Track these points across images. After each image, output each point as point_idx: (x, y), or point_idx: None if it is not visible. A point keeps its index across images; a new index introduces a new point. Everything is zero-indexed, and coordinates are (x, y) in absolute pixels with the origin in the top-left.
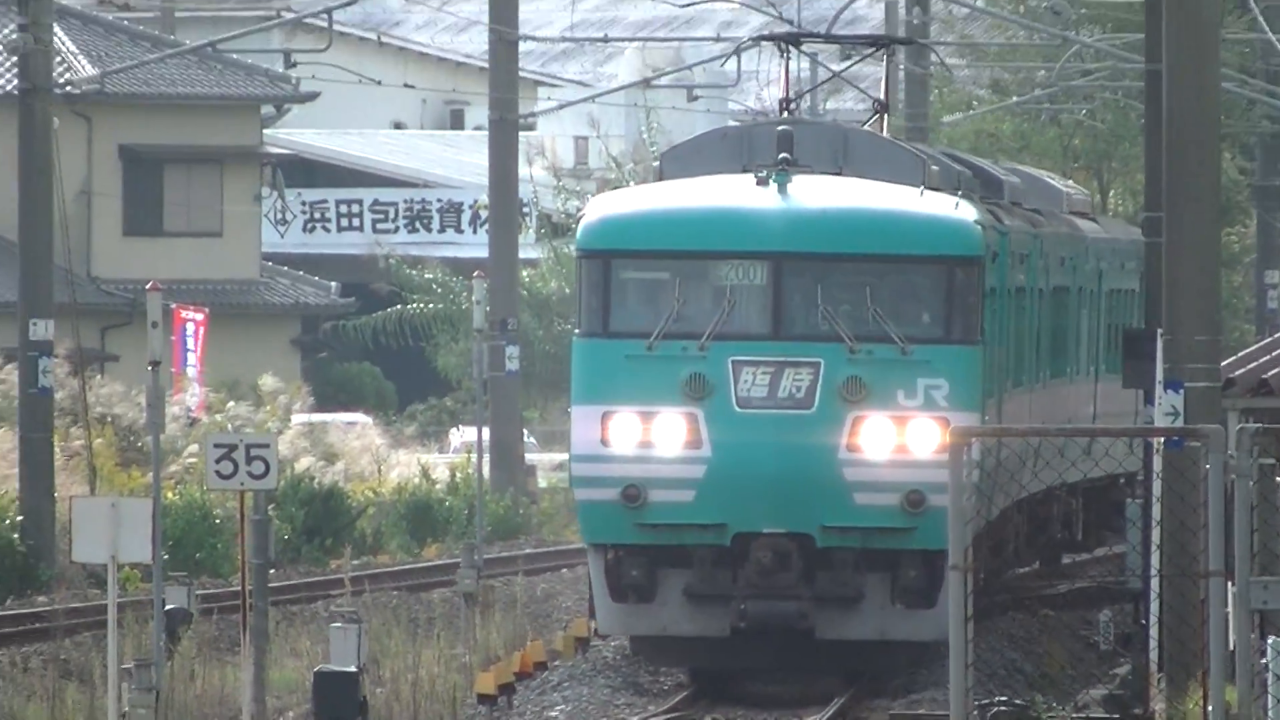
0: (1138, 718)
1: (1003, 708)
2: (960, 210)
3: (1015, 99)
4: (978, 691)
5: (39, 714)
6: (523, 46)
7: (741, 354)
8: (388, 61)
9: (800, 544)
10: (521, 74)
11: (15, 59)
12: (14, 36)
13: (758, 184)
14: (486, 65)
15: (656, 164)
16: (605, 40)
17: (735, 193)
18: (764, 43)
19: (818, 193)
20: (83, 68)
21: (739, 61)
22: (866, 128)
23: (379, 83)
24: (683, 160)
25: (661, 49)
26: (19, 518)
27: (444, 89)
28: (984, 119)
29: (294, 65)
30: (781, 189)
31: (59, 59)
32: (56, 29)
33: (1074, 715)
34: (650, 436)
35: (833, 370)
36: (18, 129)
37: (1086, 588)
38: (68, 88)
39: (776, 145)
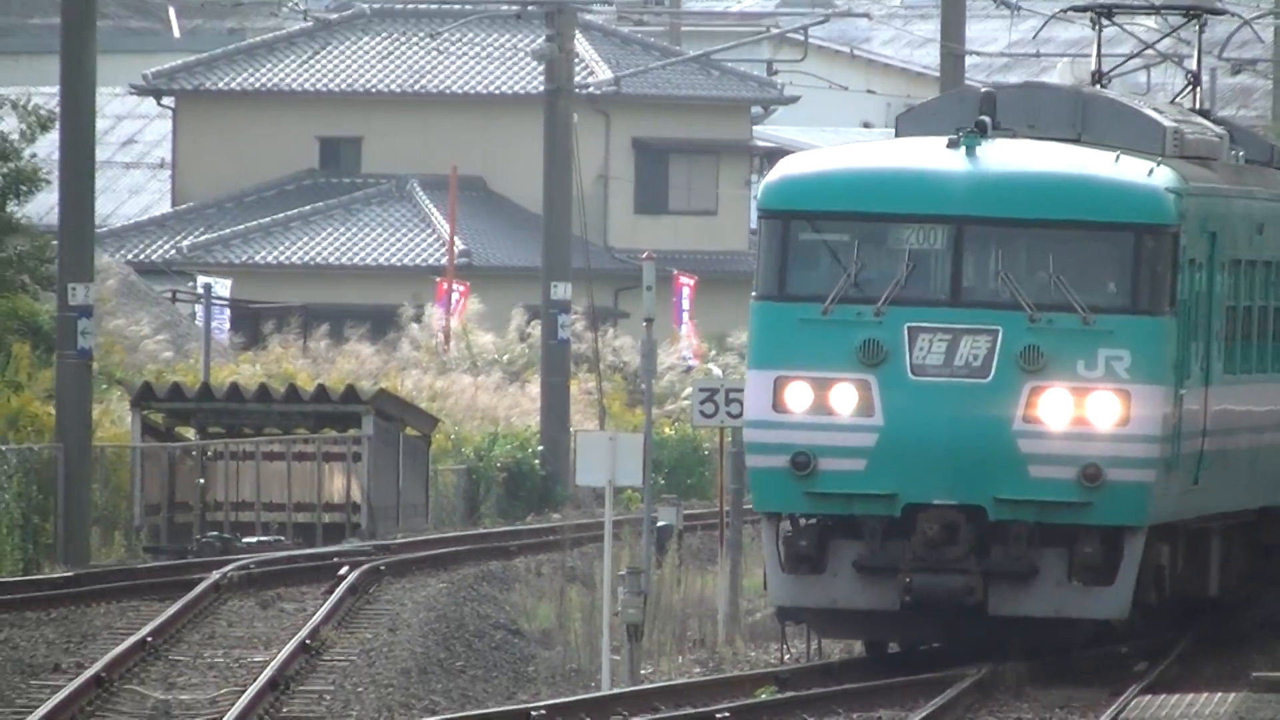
0: None
1: None
2: (1154, 177)
3: None
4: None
5: (547, 611)
6: (969, 60)
7: (918, 320)
8: (856, 71)
9: (970, 516)
10: (967, 82)
11: (544, 65)
12: (543, 45)
13: (948, 146)
14: (938, 75)
15: (894, 128)
16: (1037, 55)
17: (922, 155)
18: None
19: (1005, 156)
20: (602, 72)
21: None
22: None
23: (846, 88)
24: (918, 121)
25: (1087, 63)
26: (540, 448)
27: (902, 94)
28: None
29: (776, 73)
30: (970, 152)
31: (581, 65)
32: (580, 39)
33: None
34: (823, 403)
35: (1011, 338)
36: (544, 123)
37: None
38: (589, 89)
39: (979, 108)
